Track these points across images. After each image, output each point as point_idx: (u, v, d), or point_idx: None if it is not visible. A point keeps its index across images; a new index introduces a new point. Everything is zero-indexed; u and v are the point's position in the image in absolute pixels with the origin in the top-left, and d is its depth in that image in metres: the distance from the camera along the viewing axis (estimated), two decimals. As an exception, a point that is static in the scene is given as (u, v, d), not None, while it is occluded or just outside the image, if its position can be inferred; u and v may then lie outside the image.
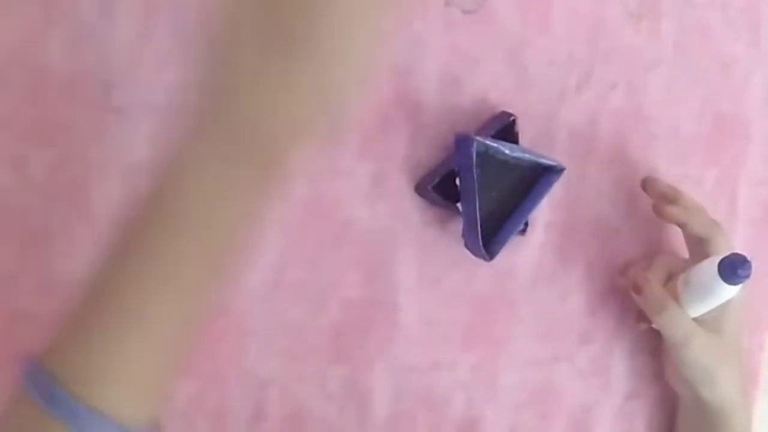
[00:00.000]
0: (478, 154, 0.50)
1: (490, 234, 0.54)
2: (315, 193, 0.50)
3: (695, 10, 0.65)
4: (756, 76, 0.70)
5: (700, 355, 0.57)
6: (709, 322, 0.57)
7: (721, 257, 0.53)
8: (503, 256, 0.55)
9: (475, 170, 0.50)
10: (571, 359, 0.62)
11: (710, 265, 0.54)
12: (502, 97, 0.56)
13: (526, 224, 0.57)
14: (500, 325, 0.58)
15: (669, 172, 0.65)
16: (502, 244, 0.54)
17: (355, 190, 0.51)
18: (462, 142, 0.50)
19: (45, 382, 0.33)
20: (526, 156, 0.54)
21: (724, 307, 0.56)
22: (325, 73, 0.34)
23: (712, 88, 0.67)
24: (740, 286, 0.53)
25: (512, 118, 0.55)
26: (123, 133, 0.44)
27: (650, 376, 0.66)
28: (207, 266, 0.35)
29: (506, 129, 0.54)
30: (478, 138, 0.50)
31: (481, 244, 0.52)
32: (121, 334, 0.34)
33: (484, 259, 0.53)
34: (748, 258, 0.53)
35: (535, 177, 0.55)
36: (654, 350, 0.65)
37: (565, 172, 0.55)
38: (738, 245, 0.69)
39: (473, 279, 0.57)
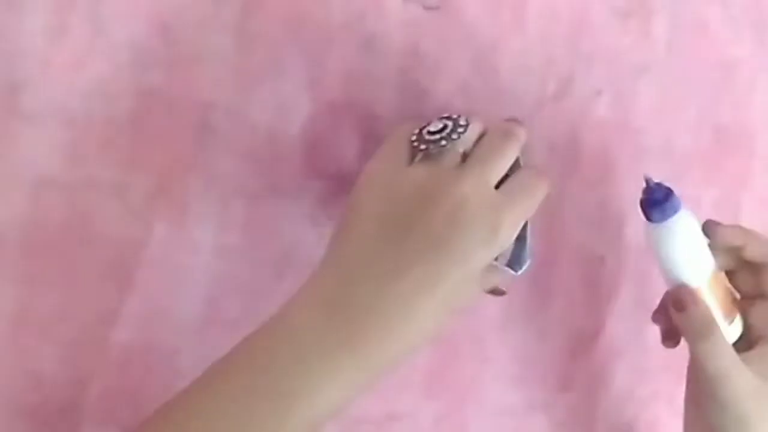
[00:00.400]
0: None
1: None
2: (255, 214, 0.48)
3: (691, 5, 0.65)
4: (761, 82, 0.69)
5: (738, 399, 0.52)
6: (758, 363, 0.53)
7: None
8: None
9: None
10: (548, 409, 0.61)
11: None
12: (470, 106, 0.54)
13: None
14: (467, 369, 0.57)
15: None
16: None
17: (300, 211, 0.49)
18: None
19: None
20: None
21: None
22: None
23: (711, 95, 0.67)
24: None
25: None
26: (32, 143, 0.42)
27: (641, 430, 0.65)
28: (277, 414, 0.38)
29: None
30: None
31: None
32: None
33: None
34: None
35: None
36: (647, 399, 0.64)
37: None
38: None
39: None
